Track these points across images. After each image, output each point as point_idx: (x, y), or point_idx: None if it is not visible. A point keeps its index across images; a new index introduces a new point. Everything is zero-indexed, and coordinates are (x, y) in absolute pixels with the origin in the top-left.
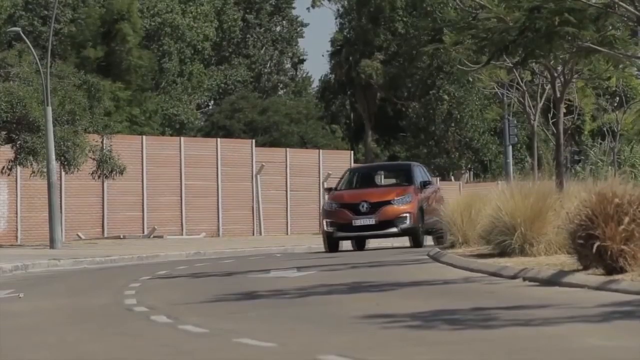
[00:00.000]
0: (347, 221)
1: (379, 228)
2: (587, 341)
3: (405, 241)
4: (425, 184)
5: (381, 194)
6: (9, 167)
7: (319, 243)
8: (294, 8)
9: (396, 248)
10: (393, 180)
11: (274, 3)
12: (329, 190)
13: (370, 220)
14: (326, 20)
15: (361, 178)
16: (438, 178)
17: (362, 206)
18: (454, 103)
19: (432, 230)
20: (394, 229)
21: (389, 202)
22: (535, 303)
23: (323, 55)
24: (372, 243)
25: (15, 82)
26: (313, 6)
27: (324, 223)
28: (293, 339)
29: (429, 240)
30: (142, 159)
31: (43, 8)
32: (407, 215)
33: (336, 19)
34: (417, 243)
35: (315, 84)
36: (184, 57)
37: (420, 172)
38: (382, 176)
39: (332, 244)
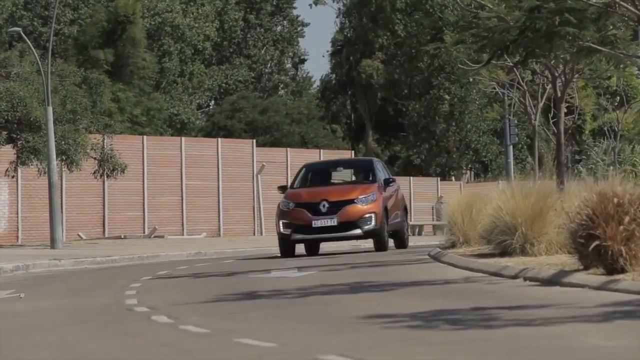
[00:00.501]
0: (306, 222)
1: (340, 230)
2: (588, 341)
3: (366, 244)
4: (388, 182)
5: (343, 192)
6: (13, 168)
7: None
8: (294, 8)
9: (355, 253)
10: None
11: (274, 3)
12: (282, 188)
13: (331, 221)
14: (327, 19)
15: (319, 175)
16: (439, 178)
17: (322, 205)
18: (455, 103)
19: (395, 232)
20: (357, 231)
21: (351, 201)
22: (536, 303)
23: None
24: (328, 246)
25: (16, 81)
26: (316, 3)
27: (279, 224)
28: (294, 339)
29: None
30: (143, 159)
31: (43, 8)
32: (372, 215)
33: (337, 17)
34: (381, 246)
35: (316, 84)
36: (185, 57)
37: (381, 169)
38: (342, 172)
39: (287, 248)
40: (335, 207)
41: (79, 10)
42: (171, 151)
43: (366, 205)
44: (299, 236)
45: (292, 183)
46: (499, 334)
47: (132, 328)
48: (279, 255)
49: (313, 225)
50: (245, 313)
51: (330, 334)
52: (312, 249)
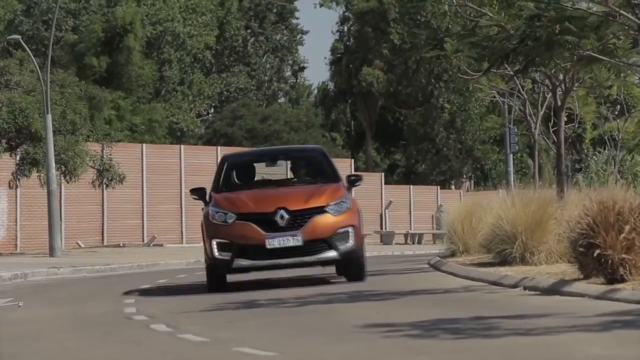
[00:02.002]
0: (256, 241)
1: (307, 251)
2: (588, 350)
3: (324, 269)
4: (354, 181)
5: (304, 197)
6: (16, 178)
7: None
8: (297, 18)
9: (311, 285)
10: (289, 175)
11: (276, 12)
12: (200, 192)
13: (294, 240)
14: (325, 26)
15: (247, 171)
16: (438, 187)
17: (280, 217)
18: (455, 111)
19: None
20: (331, 253)
21: (320, 210)
22: (536, 312)
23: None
24: (259, 275)
25: (16, 90)
26: (321, 5)
27: (211, 246)
28: (293, 348)
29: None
30: (142, 167)
31: (45, 12)
32: (349, 230)
33: (336, 24)
34: (358, 273)
35: (314, 89)
36: (184, 65)
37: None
38: (288, 168)
39: (219, 279)
40: (298, 218)
41: (80, 17)
42: (170, 159)
43: (340, 215)
44: (245, 262)
45: (217, 184)
46: (499, 344)
47: (131, 336)
48: (206, 289)
49: (267, 246)
50: (244, 322)
51: (330, 343)
52: (218, 281)
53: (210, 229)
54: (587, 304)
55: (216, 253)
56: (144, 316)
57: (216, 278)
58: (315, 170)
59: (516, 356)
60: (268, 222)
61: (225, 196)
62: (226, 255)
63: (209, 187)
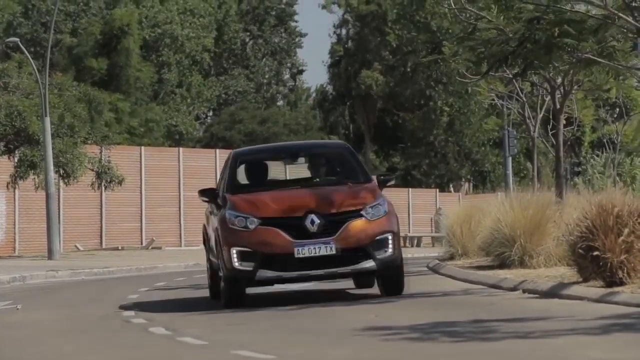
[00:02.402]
0: (284, 250)
1: (341, 261)
2: (587, 354)
3: (342, 281)
4: (385, 182)
5: (337, 199)
6: (13, 181)
7: None
8: (296, 21)
9: (333, 304)
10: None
11: (275, 14)
12: (210, 194)
13: (327, 248)
14: (323, 29)
15: (265, 170)
16: (437, 189)
17: (310, 222)
18: (453, 114)
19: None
20: (369, 263)
21: (356, 214)
22: (535, 315)
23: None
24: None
25: (15, 93)
26: (324, 7)
27: (230, 255)
28: (292, 350)
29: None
30: (141, 169)
31: (45, 14)
32: (388, 236)
33: (334, 27)
34: (397, 285)
35: (312, 91)
36: (183, 68)
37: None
38: (310, 167)
39: (238, 292)
40: (331, 224)
41: (79, 20)
42: (169, 162)
43: (377, 220)
44: (270, 274)
45: (230, 184)
46: (498, 347)
47: (130, 340)
48: (220, 307)
49: (296, 255)
50: (243, 325)
51: (329, 346)
52: (237, 295)
53: (228, 236)
54: (586, 307)
55: (236, 263)
56: (142, 319)
57: (235, 291)
58: (341, 168)
59: (515, 359)
60: (297, 228)
61: (244, 198)
62: (248, 266)
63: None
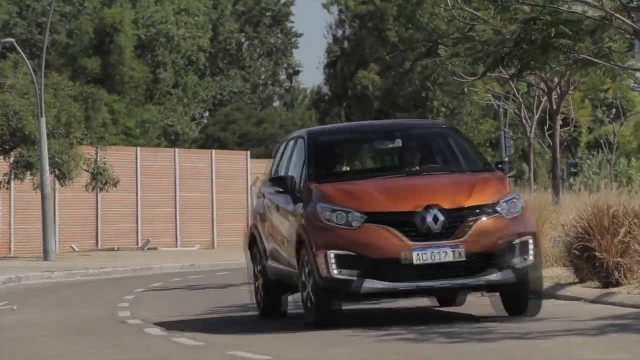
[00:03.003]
0: (399, 255)
1: (470, 270)
2: (583, 354)
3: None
4: (507, 170)
5: (461, 190)
6: (7, 181)
7: None
8: (292, 22)
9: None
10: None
11: (270, 15)
12: (283, 182)
13: (453, 253)
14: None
15: (354, 155)
16: None
17: (432, 217)
18: (449, 114)
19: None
20: (506, 274)
21: (490, 210)
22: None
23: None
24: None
25: (10, 93)
26: (324, 5)
27: (326, 259)
28: (287, 351)
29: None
30: (137, 170)
31: (40, 15)
32: (529, 240)
33: (328, 26)
34: (536, 303)
35: (307, 91)
36: (178, 68)
37: None
38: (407, 150)
39: (332, 309)
40: (457, 221)
41: (74, 20)
42: (165, 163)
43: (515, 218)
44: (380, 285)
45: (310, 171)
46: (494, 347)
47: (125, 341)
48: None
49: (414, 262)
50: (239, 325)
51: (324, 347)
52: (331, 311)
53: (322, 235)
54: (582, 308)
55: (334, 271)
56: (138, 320)
57: (330, 306)
58: (450, 153)
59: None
60: (414, 226)
61: (339, 188)
62: (350, 274)
63: (204, 192)
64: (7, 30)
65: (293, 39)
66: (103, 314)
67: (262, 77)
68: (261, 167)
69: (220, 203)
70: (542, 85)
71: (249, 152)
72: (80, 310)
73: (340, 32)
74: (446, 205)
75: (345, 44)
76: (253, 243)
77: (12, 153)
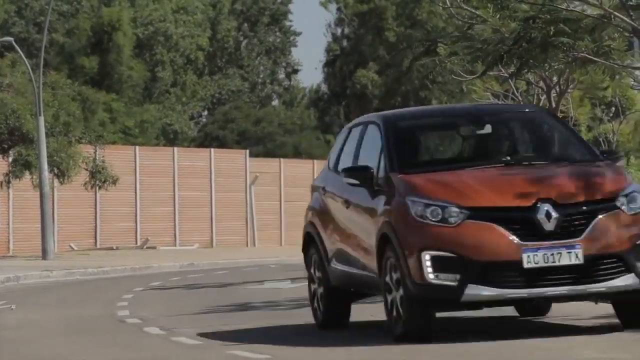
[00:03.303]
0: (507, 256)
1: (589, 276)
2: (584, 353)
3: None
4: (615, 160)
5: (574, 183)
6: (7, 180)
7: None
8: (290, 21)
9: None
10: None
11: (268, 13)
12: (363, 173)
13: (570, 254)
14: (317, 28)
15: (438, 142)
16: None
17: (544, 214)
18: None
19: None
20: (631, 279)
21: (609, 205)
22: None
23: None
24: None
25: (8, 92)
26: (322, 3)
27: (420, 261)
28: (287, 351)
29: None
30: (135, 169)
31: (38, 14)
32: None
33: (326, 25)
34: None
35: (306, 90)
36: (177, 67)
37: None
38: (493, 139)
39: (428, 319)
40: (573, 218)
41: (72, 19)
42: (164, 162)
43: (635, 213)
44: (487, 292)
45: (399, 159)
46: (493, 346)
47: (124, 340)
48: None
49: (525, 265)
50: (238, 324)
51: (324, 346)
52: (426, 321)
53: (415, 234)
54: (582, 307)
55: (430, 275)
56: (137, 319)
57: (426, 316)
58: (548, 141)
59: (511, 359)
60: (524, 224)
61: (430, 179)
62: (450, 279)
63: (202, 190)
64: (5, 29)
65: (292, 38)
66: (102, 313)
67: (261, 76)
68: (260, 166)
69: (219, 202)
70: (541, 83)
71: (247, 151)
72: (79, 310)
73: (339, 31)
74: (560, 200)
75: (345, 43)
76: (309, 244)
77: (10, 152)
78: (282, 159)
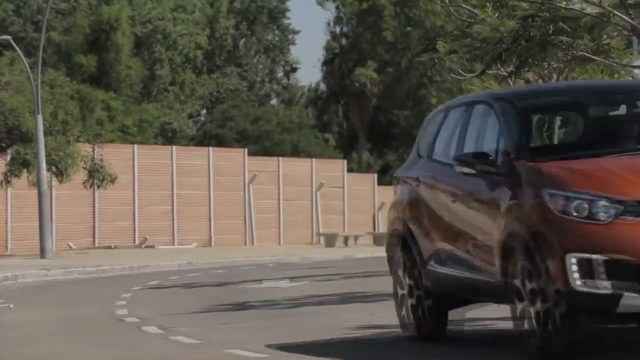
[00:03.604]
0: None
1: None
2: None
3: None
4: None
5: None
6: (7, 180)
7: (311, 253)
8: (289, 19)
9: None
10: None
11: (267, 12)
12: (482, 159)
13: None
14: (316, 26)
15: (577, 124)
16: None
17: None
18: None
19: None
20: None
21: None
22: None
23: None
24: None
25: (7, 91)
26: (319, 3)
27: (563, 265)
28: (285, 350)
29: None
30: (134, 168)
31: (36, 12)
32: None
33: (327, 23)
34: None
35: (305, 88)
36: (175, 65)
37: None
38: (630, 121)
39: (571, 338)
40: None
41: (71, 17)
42: (162, 160)
43: None
44: None
45: (527, 144)
46: (492, 346)
47: (123, 339)
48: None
49: None
50: (236, 323)
51: (322, 344)
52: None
53: (554, 233)
54: None
55: (577, 282)
56: (135, 318)
57: (571, 329)
58: None
59: (510, 359)
60: None
61: (568, 167)
62: (603, 287)
63: (201, 189)
64: (3, 28)
65: (290, 36)
66: (100, 312)
67: (259, 74)
68: (259, 165)
69: (218, 201)
70: (540, 82)
71: (246, 150)
72: (77, 309)
73: (338, 29)
74: None
75: (343, 41)
76: (397, 244)
77: (8, 150)
78: (280, 158)
